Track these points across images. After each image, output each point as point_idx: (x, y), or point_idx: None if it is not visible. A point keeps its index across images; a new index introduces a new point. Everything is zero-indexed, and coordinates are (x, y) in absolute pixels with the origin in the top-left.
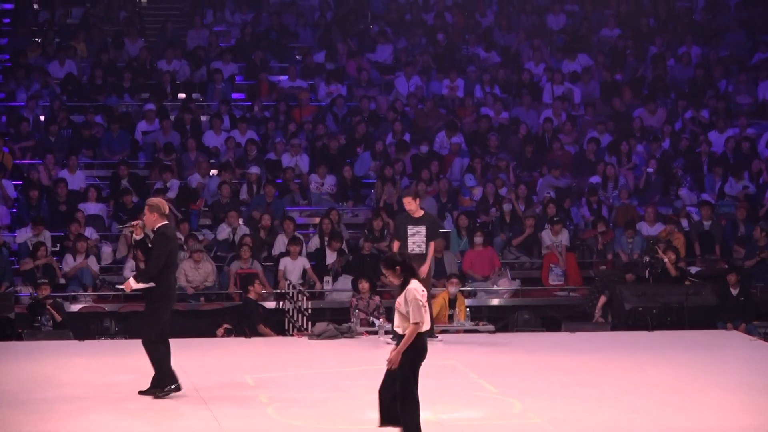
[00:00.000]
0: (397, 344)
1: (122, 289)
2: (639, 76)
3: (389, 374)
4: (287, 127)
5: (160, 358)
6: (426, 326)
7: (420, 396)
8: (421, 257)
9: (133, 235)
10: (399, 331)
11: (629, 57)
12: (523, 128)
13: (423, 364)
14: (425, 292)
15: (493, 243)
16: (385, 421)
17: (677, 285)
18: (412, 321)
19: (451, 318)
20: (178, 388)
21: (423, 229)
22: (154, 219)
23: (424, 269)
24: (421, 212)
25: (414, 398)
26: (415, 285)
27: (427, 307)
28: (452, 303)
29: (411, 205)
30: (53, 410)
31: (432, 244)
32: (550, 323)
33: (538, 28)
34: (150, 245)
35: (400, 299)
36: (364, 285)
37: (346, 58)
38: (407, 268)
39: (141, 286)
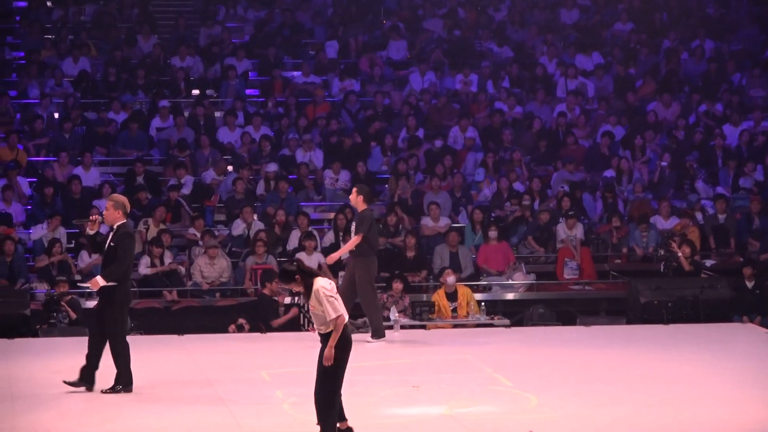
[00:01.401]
0: (324, 344)
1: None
2: (652, 70)
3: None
4: (301, 123)
5: (126, 356)
6: (346, 316)
7: (436, 390)
8: (352, 254)
9: (87, 229)
10: (322, 330)
11: (642, 51)
12: (536, 123)
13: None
14: (333, 285)
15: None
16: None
17: (692, 278)
18: (333, 316)
19: (455, 311)
20: (130, 390)
21: (353, 226)
22: (116, 216)
23: (332, 256)
24: (363, 207)
25: (336, 393)
26: (320, 283)
27: (340, 299)
28: (452, 296)
29: (352, 197)
30: (70, 407)
31: (356, 238)
32: (565, 317)
33: (551, 23)
34: (101, 242)
35: (312, 302)
36: (398, 285)
37: (358, 55)
38: (304, 272)
39: (105, 284)
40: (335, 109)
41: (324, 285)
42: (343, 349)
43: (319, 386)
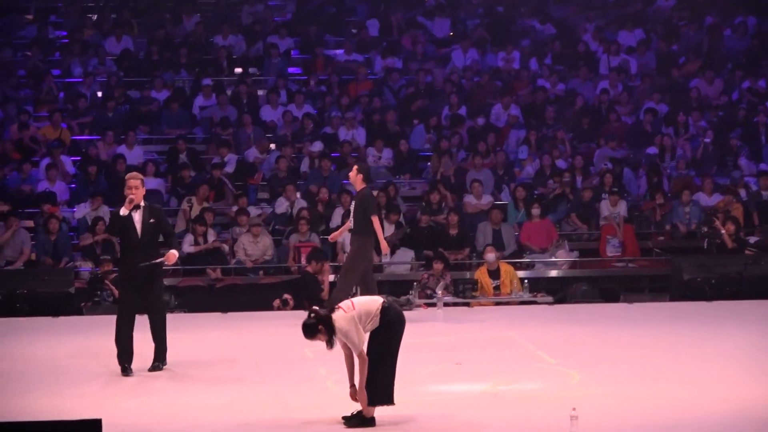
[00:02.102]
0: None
1: (161, 263)
2: (695, 47)
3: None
4: (343, 101)
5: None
6: (363, 341)
7: (479, 367)
8: (353, 233)
9: (123, 210)
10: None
11: (685, 28)
12: (579, 100)
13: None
14: (349, 307)
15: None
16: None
17: (735, 255)
18: (355, 354)
19: (497, 289)
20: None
21: (353, 205)
22: (143, 193)
23: (383, 246)
24: (361, 186)
25: (390, 372)
26: (338, 321)
27: (356, 321)
28: (495, 274)
29: (351, 174)
30: (114, 384)
31: (375, 219)
32: (608, 295)
33: (593, 0)
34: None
35: (339, 341)
36: (439, 265)
37: (400, 32)
38: (321, 318)
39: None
40: (377, 86)
41: (340, 318)
42: (389, 330)
43: (376, 370)
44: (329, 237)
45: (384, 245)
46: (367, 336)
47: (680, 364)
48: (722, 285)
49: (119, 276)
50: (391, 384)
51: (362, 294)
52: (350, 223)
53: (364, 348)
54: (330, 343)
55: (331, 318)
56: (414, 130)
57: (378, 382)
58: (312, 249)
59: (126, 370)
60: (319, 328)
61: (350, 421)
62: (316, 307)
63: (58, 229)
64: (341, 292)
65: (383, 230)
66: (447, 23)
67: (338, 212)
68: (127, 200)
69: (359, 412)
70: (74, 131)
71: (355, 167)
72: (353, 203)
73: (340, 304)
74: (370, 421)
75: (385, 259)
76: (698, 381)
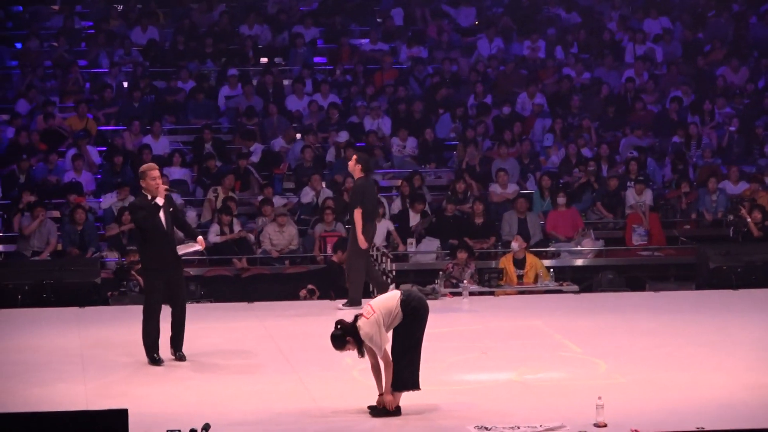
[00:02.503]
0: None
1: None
2: (721, 35)
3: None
4: (368, 90)
5: None
6: (385, 343)
7: (505, 356)
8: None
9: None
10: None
11: (711, 15)
12: (605, 88)
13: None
14: (369, 310)
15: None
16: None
17: (762, 243)
18: (379, 356)
19: (520, 278)
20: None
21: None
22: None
23: (360, 240)
24: (359, 176)
25: (414, 358)
26: (363, 329)
27: (380, 323)
28: (520, 263)
29: (350, 164)
30: (140, 374)
31: (356, 213)
32: (634, 283)
33: None
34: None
35: (368, 348)
36: (462, 255)
37: (425, 21)
38: (347, 329)
39: None
40: (403, 76)
41: (364, 325)
42: (412, 320)
43: (400, 357)
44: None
45: (361, 240)
46: (391, 333)
47: (706, 352)
48: (748, 273)
49: (148, 266)
50: (416, 369)
51: (374, 287)
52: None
53: (388, 348)
54: (360, 352)
55: (356, 327)
56: (439, 120)
57: (402, 367)
58: (338, 239)
59: (158, 360)
60: (347, 339)
61: (376, 410)
62: (342, 319)
63: (85, 220)
64: (355, 292)
65: (365, 226)
66: (472, 12)
67: None
68: (161, 189)
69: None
70: (100, 121)
71: (354, 156)
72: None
73: (361, 311)
74: (396, 411)
75: (410, 248)
76: (724, 369)
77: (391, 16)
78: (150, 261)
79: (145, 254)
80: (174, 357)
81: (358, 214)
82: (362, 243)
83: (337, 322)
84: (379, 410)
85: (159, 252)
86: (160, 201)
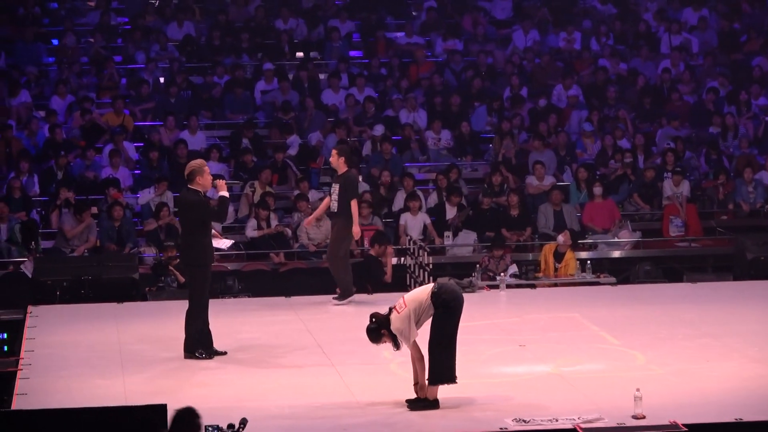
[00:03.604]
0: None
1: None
2: (757, 25)
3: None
4: (404, 84)
5: None
6: (413, 337)
7: (543, 349)
8: (336, 215)
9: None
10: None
11: (746, 5)
12: (641, 79)
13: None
14: (401, 305)
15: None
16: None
17: None
18: (408, 347)
19: (556, 271)
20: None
21: (337, 187)
22: None
23: (356, 230)
24: (344, 169)
25: (448, 349)
26: (394, 323)
27: (411, 317)
28: (560, 257)
29: (332, 159)
30: (179, 369)
31: (354, 203)
32: (671, 274)
33: None
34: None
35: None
36: (498, 252)
37: (460, 13)
38: (381, 322)
39: None
40: (438, 69)
41: (396, 325)
42: (445, 311)
43: (435, 348)
44: (304, 222)
45: (357, 229)
46: (428, 322)
47: (744, 343)
48: None
49: (202, 262)
50: (451, 362)
51: (339, 274)
52: (332, 206)
53: (417, 340)
54: (396, 345)
55: (389, 320)
56: (475, 112)
57: (436, 361)
58: (375, 232)
59: (219, 352)
60: (382, 332)
61: (414, 403)
62: (376, 311)
63: (122, 216)
64: (344, 282)
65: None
66: (508, 4)
67: (400, 195)
68: (222, 184)
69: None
70: (137, 117)
71: (335, 150)
72: (336, 186)
73: (394, 305)
74: (434, 403)
75: (447, 242)
76: (763, 360)
77: (425, 9)
78: (205, 256)
79: (200, 250)
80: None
81: (354, 205)
82: (357, 233)
83: (372, 315)
84: (416, 403)
85: (210, 247)
86: (225, 193)
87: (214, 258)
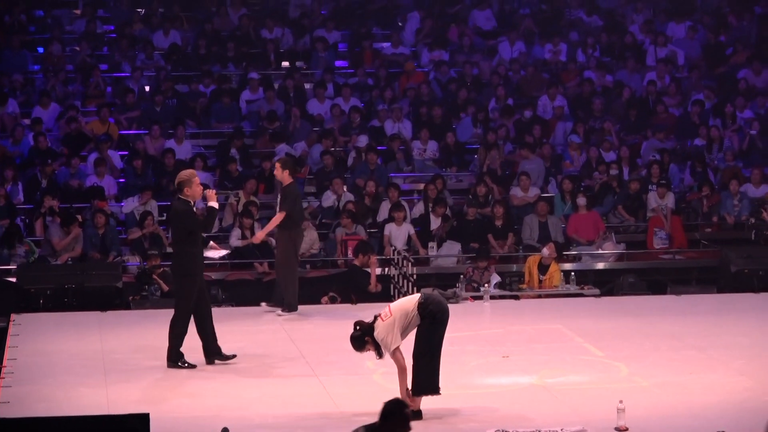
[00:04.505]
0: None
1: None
2: (743, 37)
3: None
4: (389, 94)
5: None
6: (395, 345)
7: (526, 360)
8: (281, 227)
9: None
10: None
11: (733, 18)
12: (626, 91)
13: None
14: (387, 313)
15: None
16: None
17: None
18: (389, 355)
19: (540, 283)
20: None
21: (279, 198)
22: None
23: (258, 236)
24: (288, 181)
25: (432, 360)
26: (378, 331)
27: (395, 326)
28: (545, 269)
29: (276, 172)
30: (162, 378)
31: (280, 216)
32: (655, 286)
33: None
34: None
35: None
36: (482, 263)
37: (447, 24)
38: (366, 330)
39: None
40: (424, 79)
41: (379, 332)
42: (431, 323)
43: (420, 360)
44: (254, 238)
45: (259, 235)
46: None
47: (729, 355)
48: None
49: (189, 271)
50: (435, 374)
51: (285, 284)
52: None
53: (397, 351)
54: (379, 354)
55: (373, 328)
56: (461, 123)
57: (420, 372)
58: (358, 242)
59: (190, 364)
60: (365, 339)
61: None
62: (361, 320)
63: (106, 224)
64: (290, 293)
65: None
66: (486, 17)
67: (385, 205)
68: (212, 194)
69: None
70: (122, 126)
71: (278, 164)
72: (279, 197)
73: (380, 313)
74: (417, 414)
75: (432, 252)
76: (747, 372)
77: (412, 19)
78: (193, 266)
79: (188, 259)
80: (215, 361)
81: (278, 218)
82: (258, 239)
83: (356, 323)
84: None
85: (199, 257)
86: (215, 204)
87: (202, 268)
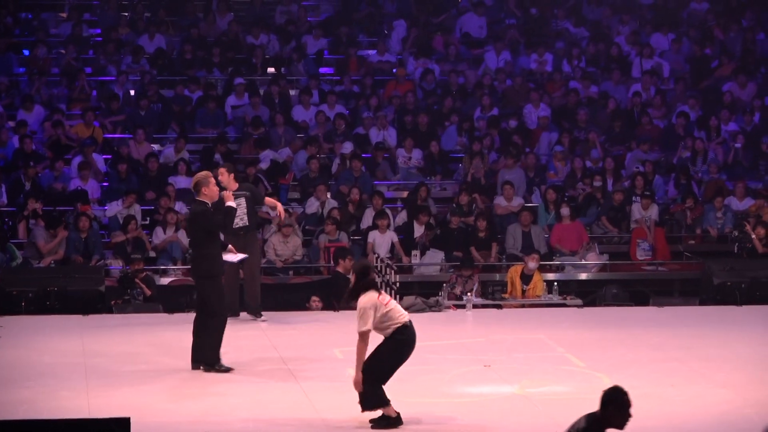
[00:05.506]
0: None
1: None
2: (728, 50)
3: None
4: (375, 101)
5: None
6: (365, 326)
7: (508, 369)
8: (247, 229)
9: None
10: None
11: (718, 31)
12: (611, 103)
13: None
14: (382, 301)
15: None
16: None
17: (766, 260)
18: (357, 330)
19: (524, 293)
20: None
21: (243, 200)
22: None
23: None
24: (235, 185)
25: (377, 384)
26: (363, 299)
27: (379, 311)
28: (528, 279)
29: (222, 177)
30: (143, 382)
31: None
32: (638, 298)
33: (627, 2)
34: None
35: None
36: (467, 272)
37: (433, 33)
38: (357, 290)
39: None
40: (410, 87)
41: (363, 301)
42: (394, 349)
43: (365, 375)
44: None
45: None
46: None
47: (710, 367)
48: (753, 289)
49: (212, 273)
50: (381, 391)
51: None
52: (239, 221)
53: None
54: (352, 296)
55: (364, 291)
56: (446, 132)
57: (368, 391)
58: (336, 248)
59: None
60: (360, 287)
61: (378, 422)
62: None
63: (89, 227)
64: (255, 296)
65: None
66: (479, 25)
67: (369, 213)
68: (229, 195)
69: (383, 414)
70: (107, 129)
71: (223, 169)
72: (242, 200)
73: (382, 290)
74: (395, 421)
75: (415, 260)
76: (728, 385)
77: (398, 27)
78: (214, 267)
79: (209, 260)
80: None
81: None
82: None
83: (362, 268)
84: (380, 422)
85: (219, 258)
86: (233, 204)
87: (227, 270)
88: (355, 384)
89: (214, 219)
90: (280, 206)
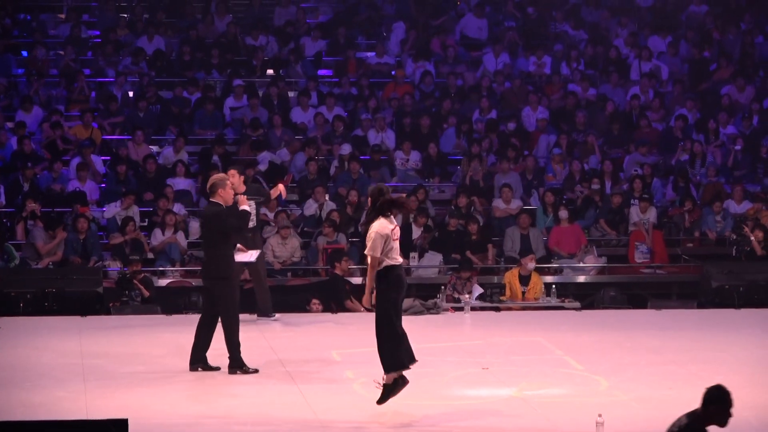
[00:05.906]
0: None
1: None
2: (727, 53)
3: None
4: (373, 103)
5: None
6: (374, 251)
7: (506, 372)
8: (253, 230)
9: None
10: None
11: (717, 34)
12: (610, 105)
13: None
14: (387, 229)
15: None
16: None
17: (765, 263)
18: (366, 252)
19: (524, 295)
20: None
21: (253, 203)
22: None
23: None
24: (243, 187)
25: (396, 333)
26: (376, 228)
27: (383, 242)
28: (526, 280)
29: (234, 179)
30: (141, 384)
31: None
32: (636, 301)
33: (625, 5)
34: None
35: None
36: (465, 274)
37: (431, 35)
38: (371, 217)
39: None
40: (408, 89)
41: (376, 227)
42: (387, 289)
43: (378, 328)
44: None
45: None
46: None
47: (708, 370)
48: (751, 292)
49: (227, 274)
50: (398, 350)
51: (257, 289)
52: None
53: (374, 256)
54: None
55: (381, 206)
56: (444, 134)
57: (380, 350)
58: (332, 250)
59: (250, 369)
60: (378, 213)
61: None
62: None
63: (87, 229)
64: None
65: None
66: (479, 26)
67: None
68: (243, 199)
69: (394, 380)
70: (105, 131)
71: (234, 171)
72: (252, 201)
73: (395, 225)
74: (391, 386)
75: (413, 263)
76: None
77: (397, 30)
78: (228, 268)
79: (223, 261)
80: (198, 369)
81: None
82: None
83: (380, 191)
84: (381, 398)
85: (232, 259)
86: (247, 208)
87: (236, 270)
88: (364, 302)
89: (229, 221)
90: (281, 186)
